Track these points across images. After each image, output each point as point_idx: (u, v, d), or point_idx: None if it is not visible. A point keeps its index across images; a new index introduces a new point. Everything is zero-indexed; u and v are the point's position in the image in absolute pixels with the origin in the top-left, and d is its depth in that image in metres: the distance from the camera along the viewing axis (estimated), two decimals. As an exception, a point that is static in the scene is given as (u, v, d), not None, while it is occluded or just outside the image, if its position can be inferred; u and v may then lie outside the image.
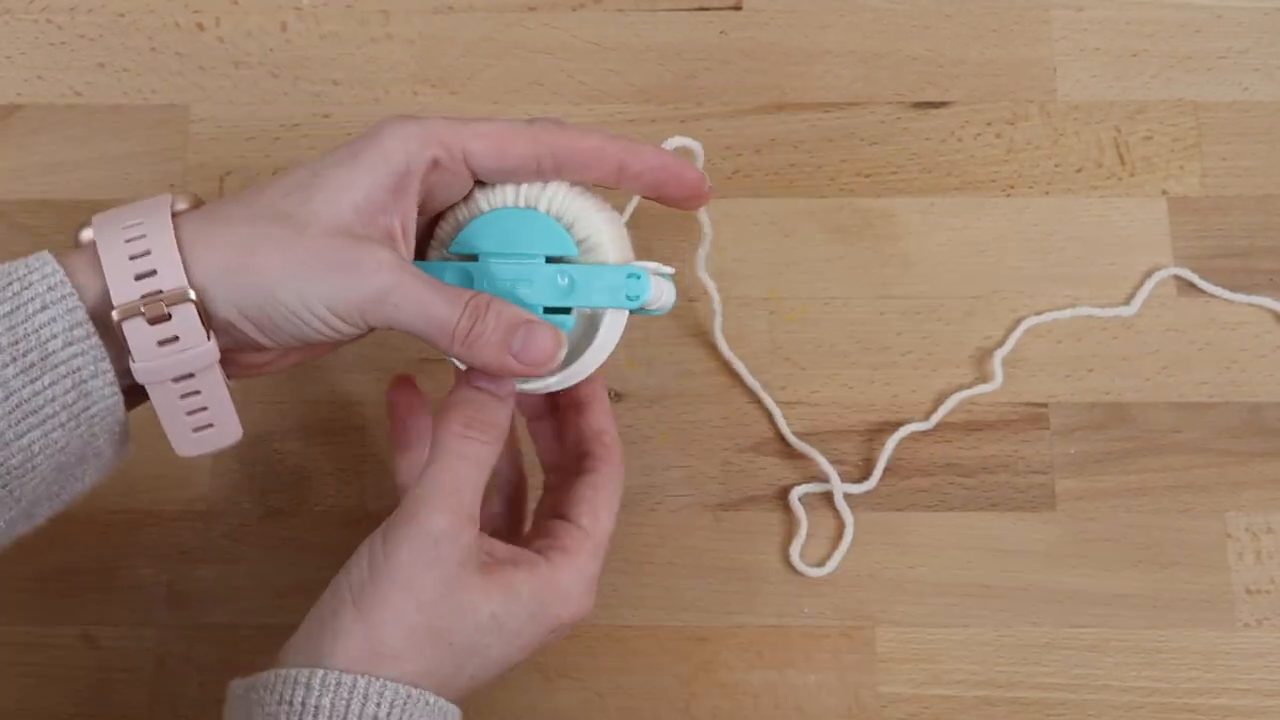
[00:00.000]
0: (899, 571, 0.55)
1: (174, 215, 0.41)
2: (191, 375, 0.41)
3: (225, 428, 0.43)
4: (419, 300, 0.41)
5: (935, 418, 0.56)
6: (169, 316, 0.40)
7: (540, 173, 0.44)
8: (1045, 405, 0.57)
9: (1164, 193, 0.60)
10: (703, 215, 0.51)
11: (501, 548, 0.44)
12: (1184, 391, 0.57)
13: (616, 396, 0.57)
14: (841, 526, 0.55)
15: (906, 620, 0.55)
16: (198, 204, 0.43)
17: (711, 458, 0.57)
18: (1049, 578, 0.55)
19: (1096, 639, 0.54)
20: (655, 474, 0.56)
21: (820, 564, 0.55)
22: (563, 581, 0.43)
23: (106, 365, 0.40)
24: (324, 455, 0.57)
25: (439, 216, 0.46)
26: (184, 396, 0.41)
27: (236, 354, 0.43)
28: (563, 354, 0.43)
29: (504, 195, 0.45)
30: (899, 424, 0.57)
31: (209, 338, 0.40)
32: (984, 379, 0.57)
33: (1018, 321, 0.58)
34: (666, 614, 0.55)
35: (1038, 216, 0.60)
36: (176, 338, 0.40)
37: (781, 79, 0.62)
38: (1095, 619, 0.54)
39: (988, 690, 0.54)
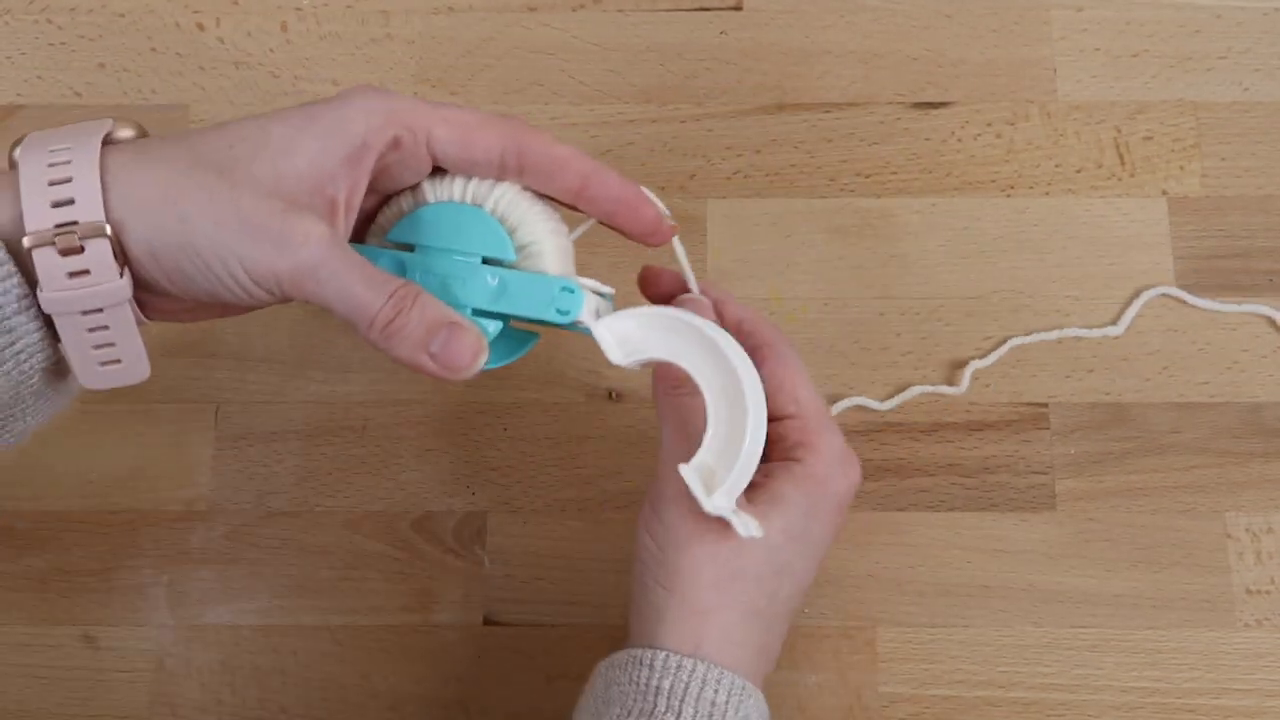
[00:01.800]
0: (899, 571, 0.55)
1: (110, 144, 0.40)
2: (100, 310, 0.40)
3: (133, 366, 0.42)
4: (344, 280, 0.40)
5: (892, 402, 0.57)
6: (81, 249, 0.38)
7: (503, 169, 0.43)
8: (1045, 405, 0.57)
9: (1164, 193, 0.60)
10: (675, 243, 0.48)
11: (758, 475, 0.44)
12: (1184, 391, 0.57)
13: (616, 397, 0.57)
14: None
15: (907, 620, 0.55)
16: (143, 134, 0.42)
17: (712, 458, 0.57)
18: (1049, 578, 0.55)
19: (1096, 639, 0.54)
20: (655, 474, 0.56)
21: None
22: (819, 467, 0.44)
23: (30, 301, 0.39)
24: (324, 455, 0.57)
25: (384, 200, 0.45)
26: (91, 330, 0.40)
27: (150, 296, 0.41)
28: (483, 361, 0.41)
29: (452, 189, 0.44)
30: (899, 424, 0.57)
31: (122, 275, 0.39)
32: (953, 380, 0.57)
33: (1004, 340, 0.57)
34: (667, 614, 0.55)
35: (1038, 217, 0.60)
36: (88, 271, 0.39)
37: (781, 79, 0.62)
38: (1095, 619, 0.54)
39: (988, 690, 0.54)
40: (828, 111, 0.62)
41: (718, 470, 0.42)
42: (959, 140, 0.61)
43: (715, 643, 0.43)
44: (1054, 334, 0.57)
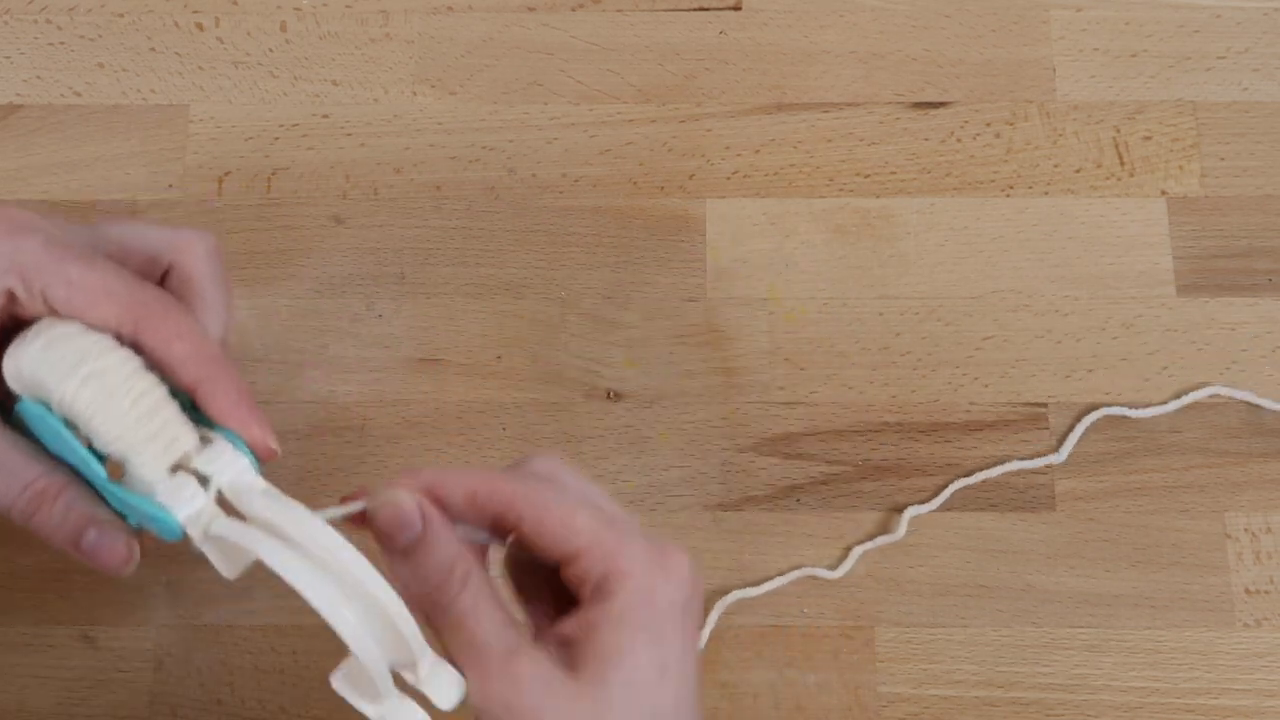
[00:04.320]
0: (899, 571, 0.55)
1: None
2: None
3: None
4: None
5: (844, 568, 0.55)
6: None
7: (118, 337, 0.38)
8: (1045, 405, 0.57)
9: (1163, 193, 0.60)
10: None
11: (580, 631, 0.36)
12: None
13: (615, 396, 0.57)
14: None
15: (906, 620, 0.55)
16: None
17: (711, 458, 0.57)
18: (1049, 578, 0.55)
19: (1096, 639, 0.54)
20: (655, 474, 0.56)
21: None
22: (637, 590, 0.36)
23: None
24: (324, 455, 0.57)
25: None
26: None
27: None
28: (135, 562, 0.38)
29: (20, 363, 0.37)
30: (899, 424, 0.57)
31: None
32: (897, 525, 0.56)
33: (948, 483, 0.56)
34: (666, 614, 0.55)
35: (1037, 217, 0.60)
36: None
37: (781, 79, 0.62)
38: (1095, 619, 0.54)
39: (987, 690, 0.54)
40: (827, 111, 0.62)
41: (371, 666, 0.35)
42: (958, 140, 0.61)
43: None
44: (996, 470, 0.56)
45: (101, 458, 0.38)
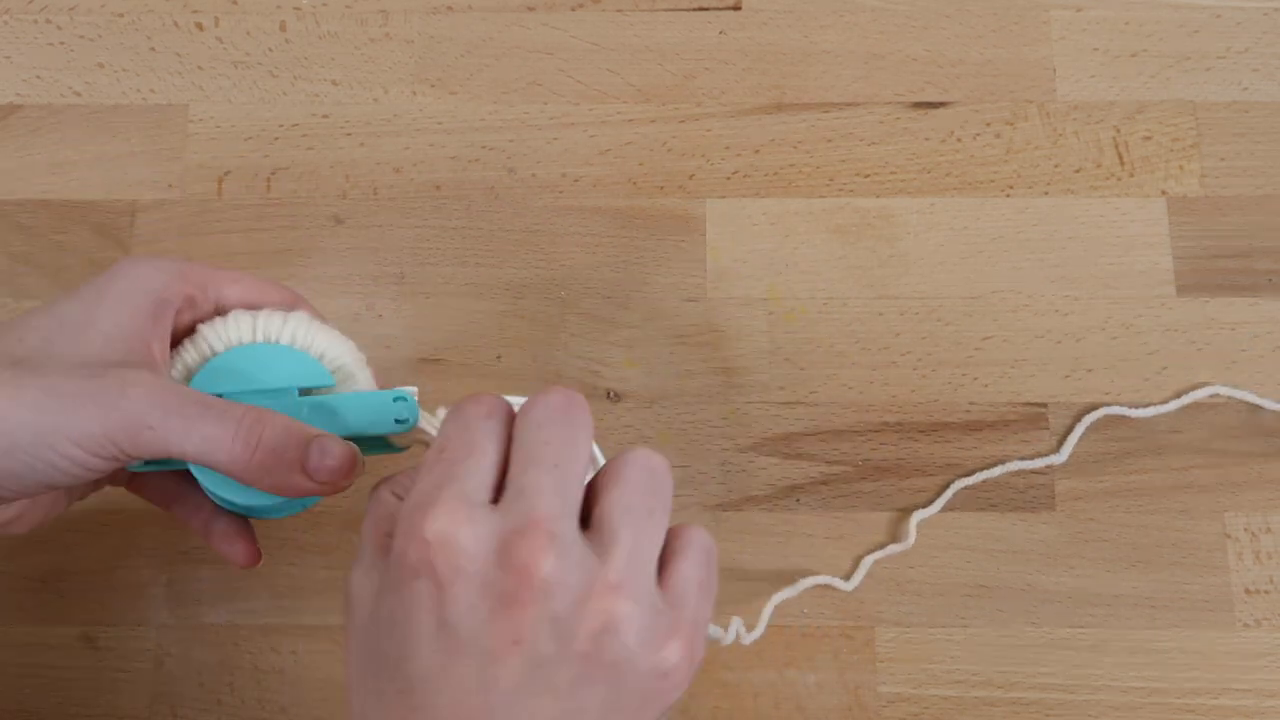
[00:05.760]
0: (899, 571, 0.55)
1: None
2: None
3: None
4: (183, 418, 0.37)
5: (856, 578, 0.55)
6: None
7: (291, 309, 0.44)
8: (1045, 405, 0.57)
9: (1163, 193, 0.60)
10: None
11: None
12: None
13: (615, 397, 0.57)
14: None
15: (906, 620, 0.55)
16: None
17: (711, 458, 0.57)
18: (1049, 578, 0.55)
19: (1096, 639, 0.54)
20: (655, 474, 0.56)
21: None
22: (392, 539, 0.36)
23: None
24: (323, 455, 0.57)
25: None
26: None
27: None
28: (361, 468, 0.40)
29: (239, 330, 0.42)
30: (899, 424, 0.57)
31: None
32: (897, 538, 0.55)
33: (948, 484, 0.56)
34: (666, 614, 0.55)
35: (1037, 217, 0.60)
36: None
37: (781, 79, 0.62)
38: (1095, 619, 0.54)
39: (988, 690, 0.54)
40: (827, 111, 0.62)
41: None
42: (958, 140, 0.61)
43: None
44: (997, 470, 0.56)
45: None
